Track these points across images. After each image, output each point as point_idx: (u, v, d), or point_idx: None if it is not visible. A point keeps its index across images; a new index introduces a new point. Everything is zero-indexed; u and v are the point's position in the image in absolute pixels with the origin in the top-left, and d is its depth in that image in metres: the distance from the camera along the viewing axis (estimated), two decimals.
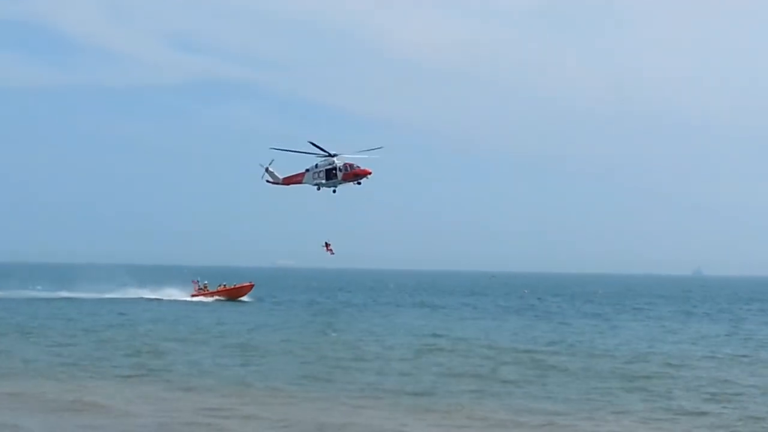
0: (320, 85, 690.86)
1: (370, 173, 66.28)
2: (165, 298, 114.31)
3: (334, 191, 67.40)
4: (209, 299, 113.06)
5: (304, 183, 68.51)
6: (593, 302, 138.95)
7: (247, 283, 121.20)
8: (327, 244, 76.61)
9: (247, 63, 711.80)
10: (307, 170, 68.37)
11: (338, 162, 66.76)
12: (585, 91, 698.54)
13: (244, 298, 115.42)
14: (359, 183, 66.42)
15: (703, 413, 36.84)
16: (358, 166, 66.26)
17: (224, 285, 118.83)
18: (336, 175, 66.58)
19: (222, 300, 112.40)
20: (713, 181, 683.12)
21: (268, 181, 69.76)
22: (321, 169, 67.29)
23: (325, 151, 66.24)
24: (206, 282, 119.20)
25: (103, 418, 33.60)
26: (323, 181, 67.19)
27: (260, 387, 42.19)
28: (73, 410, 35.06)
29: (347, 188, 67.73)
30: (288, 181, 69.52)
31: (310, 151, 66.24)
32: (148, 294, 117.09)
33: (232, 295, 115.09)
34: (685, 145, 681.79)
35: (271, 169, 69.35)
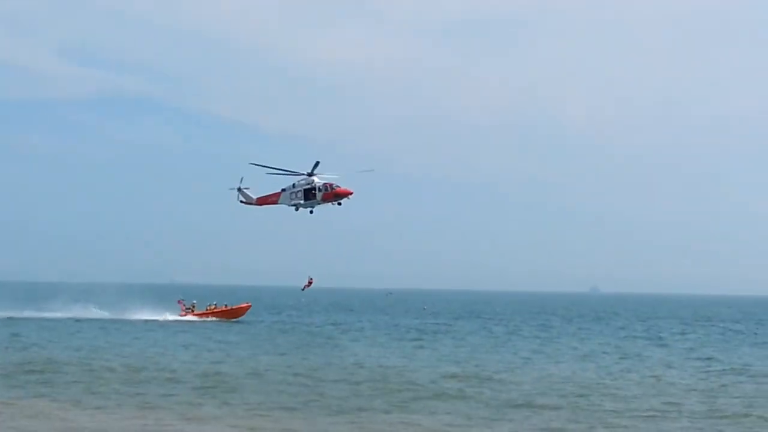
0: (225, 101, 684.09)
1: (351, 193, 65.31)
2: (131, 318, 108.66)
3: (311, 212, 66.46)
4: (198, 320, 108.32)
5: (280, 203, 67.38)
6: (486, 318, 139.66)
7: (245, 304, 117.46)
8: (310, 281, 77.86)
9: (150, 77, 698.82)
10: (284, 190, 66.95)
11: (317, 181, 65.85)
12: (485, 109, 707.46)
13: (241, 319, 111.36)
14: (339, 203, 65.57)
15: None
16: (338, 186, 65.38)
17: (214, 305, 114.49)
18: (315, 195, 65.34)
19: (217, 321, 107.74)
20: (614, 197, 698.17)
21: (241, 202, 68.70)
22: (299, 189, 66.05)
23: (291, 171, 65.11)
24: (194, 302, 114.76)
25: None
26: (301, 202, 65.88)
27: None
28: None
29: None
30: (262, 201, 68.14)
31: (291, 171, 65.15)
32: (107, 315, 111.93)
33: (228, 316, 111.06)
34: (584, 162, 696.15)
35: (244, 189, 68.35)
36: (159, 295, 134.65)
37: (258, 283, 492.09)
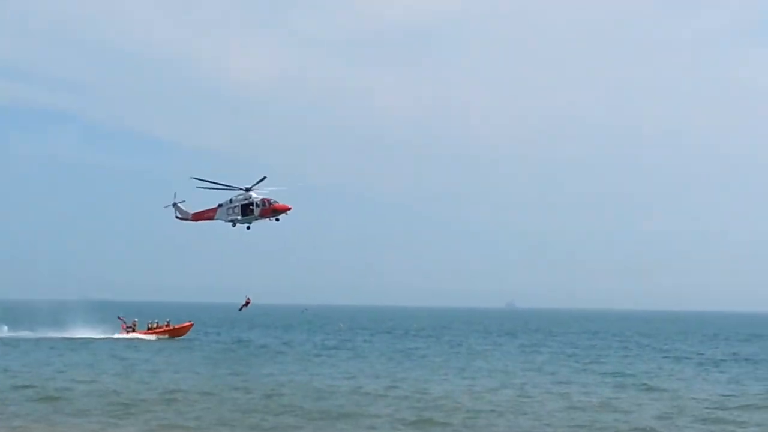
0: (138, 114, 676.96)
1: (290, 209, 65.62)
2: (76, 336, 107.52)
3: (248, 228, 66.54)
4: (142, 337, 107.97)
5: (217, 219, 67.45)
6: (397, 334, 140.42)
7: (187, 323, 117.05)
8: (247, 300, 78.53)
9: (56, 89, 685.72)
10: (220, 206, 67.21)
11: (255, 197, 65.94)
12: (398, 122, 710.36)
13: (184, 338, 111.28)
14: (278, 219, 65.72)
15: None
16: (277, 201, 65.57)
17: (156, 323, 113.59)
18: (252, 210, 65.61)
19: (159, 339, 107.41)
20: (529, 213, 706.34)
21: (177, 217, 68.61)
22: (236, 204, 66.27)
23: (229, 186, 65.18)
24: (135, 320, 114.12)
25: None
26: (239, 217, 66.13)
27: None
28: None
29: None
30: (198, 217, 68.33)
31: (232, 186, 65.20)
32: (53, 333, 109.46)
33: (171, 335, 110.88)
34: (498, 177, 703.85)
35: (179, 204, 68.24)
36: (76, 312, 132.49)
37: (179, 300, 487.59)
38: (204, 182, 64.24)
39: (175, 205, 68.56)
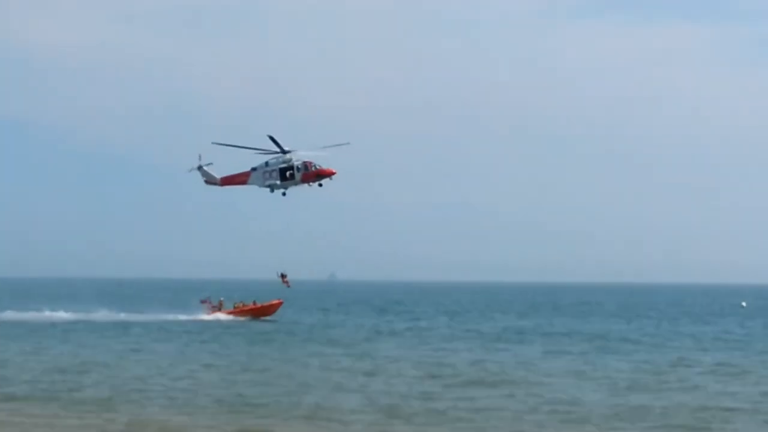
0: None
1: (334, 173, 63.69)
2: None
3: (284, 194, 64.28)
4: (226, 318, 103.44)
5: (250, 184, 64.90)
6: None
7: (276, 300, 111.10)
8: (283, 276, 75.93)
9: None
10: (254, 169, 64.67)
11: (295, 160, 63.65)
12: (224, 93, 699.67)
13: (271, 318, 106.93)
14: (320, 184, 63.71)
15: None
16: (320, 165, 63.54)
17: (242, 303, 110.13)
18: (293, 175, 63.28)
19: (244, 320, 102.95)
20: (353, 183, 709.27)
21: (206, 182, 65.62)
22: (274, 168, 63.80)
23: (279, 147, 63.00)
24: (222, 299, 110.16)
25: None
26: (277, 182, 63.75)
27: None
28: None
29: None
30: (227, 181, 65.54)
31: (261, 148, 62.92)
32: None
33: (258, 314, 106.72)
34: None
35: (206, 168, 65.28)
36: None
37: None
38: (228, 146, 61.92)
39: (200, 168, 65.49)
